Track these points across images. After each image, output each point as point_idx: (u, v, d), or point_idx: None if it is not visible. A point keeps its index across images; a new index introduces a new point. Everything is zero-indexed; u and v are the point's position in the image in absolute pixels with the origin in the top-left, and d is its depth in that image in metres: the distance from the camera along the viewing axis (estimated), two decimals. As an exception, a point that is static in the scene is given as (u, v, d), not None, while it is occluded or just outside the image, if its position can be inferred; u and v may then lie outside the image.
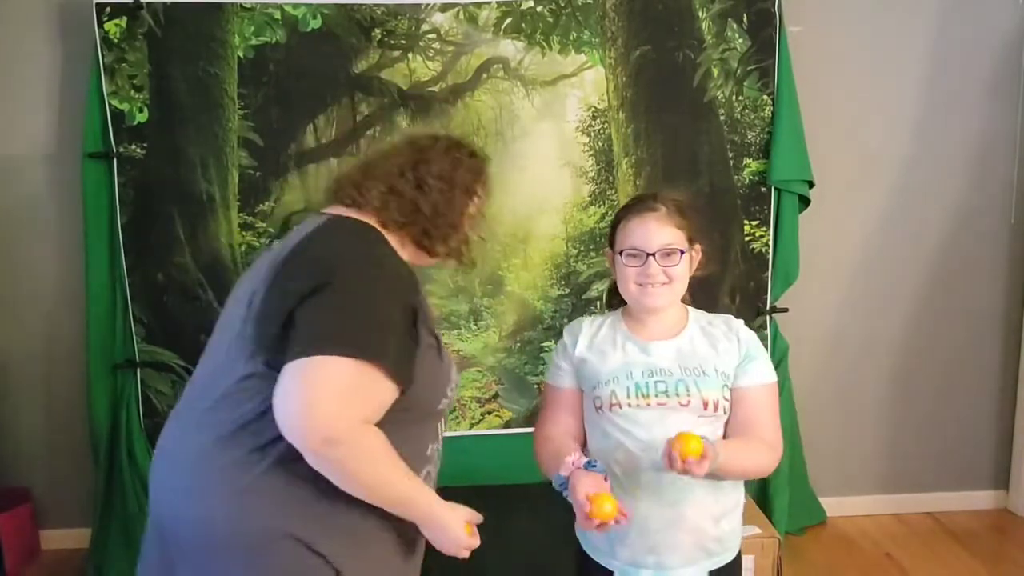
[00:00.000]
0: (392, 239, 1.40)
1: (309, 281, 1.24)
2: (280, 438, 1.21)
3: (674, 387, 1.51)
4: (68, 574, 2.87)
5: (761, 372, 1.55)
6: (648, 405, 1.50)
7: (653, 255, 1.52)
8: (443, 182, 1.45)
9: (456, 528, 1.37)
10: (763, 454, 1.51)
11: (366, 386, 1.20)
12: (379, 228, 1.39)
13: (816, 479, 3.16)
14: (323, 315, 1.22)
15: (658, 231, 1.52)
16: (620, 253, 1.56)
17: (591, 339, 1.61)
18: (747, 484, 3.04)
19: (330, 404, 1.17)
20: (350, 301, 1.23)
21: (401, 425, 1.30)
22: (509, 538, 2.51)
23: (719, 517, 1.55)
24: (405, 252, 1.43)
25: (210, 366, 1.38)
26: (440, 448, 1.48)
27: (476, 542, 1.41)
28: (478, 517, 1.43)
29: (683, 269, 1.55)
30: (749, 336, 1.58)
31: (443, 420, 1.48)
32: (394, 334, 1.24)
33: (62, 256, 2.89)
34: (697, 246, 1.59)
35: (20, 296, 2.92)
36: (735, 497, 1.59)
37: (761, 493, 2.97)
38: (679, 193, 1.66)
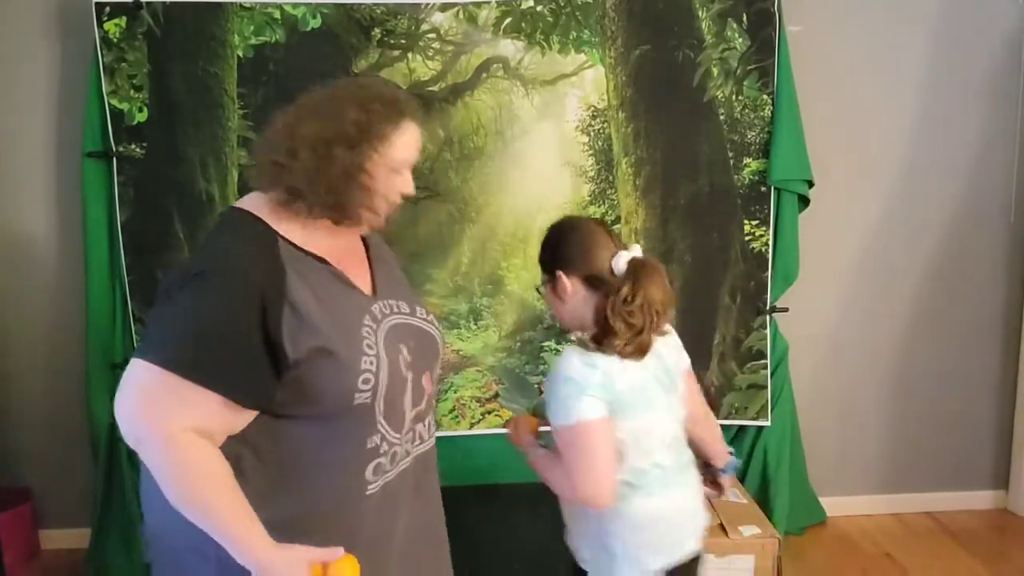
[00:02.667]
0: (294, 219, 1.32)
1: (159, 289, 1.27)
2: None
3: None
4: (68, 574, 2.87)
5: (552, 413, 1.58)
6: None
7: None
8: (318, 142, 1.29)
9: (294, 572, 1.20)
10: (557, 481, 1.61)
11: (179, 395, 1.18)
12: (274, 211, 1.32)
13: (816, 479, 3.16)
14: (151, 322, 1.26)
15: None
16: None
17: None
18: (748, 484, 3.05)
19: (134, 405, 1.20)
20: (176, 311, 1.23)
21: (319, 426, 1.29)
22: (509, 538, 2.51)
23: (574, 535, 1.70)
24: (313, 230, 1.34)
25: None
26: (396, 438, 1.37)
27: None
28: (333, 554, 1.22)
29: (551, 302, 1.68)
30: (550, 374, 1.62)
31: (380, 411, 1.34)
32: (221, 347, 1.20)
33: (61, 255, 2.89)
34: (556, 274, 1.64)
35: (19, 295, 2.92)
36: (591, 528, 1.64)
37: (761, 493, 2.97)
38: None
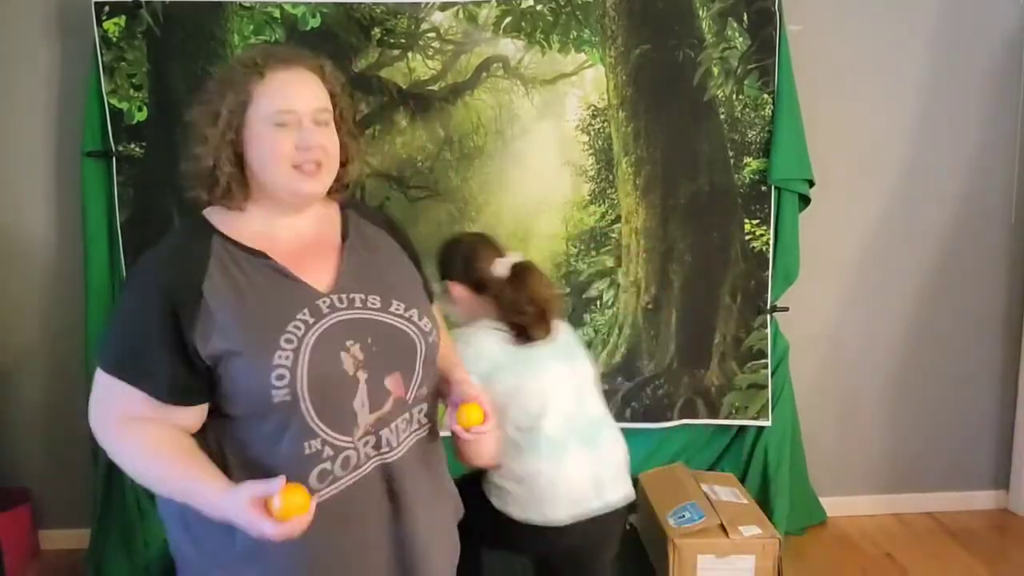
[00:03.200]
0: (238, 215, 1.35)
1: None
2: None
3: None
4: (68, 574, 2.87)
5: None
6: None
7: None
8: (192, 127, 1.37)
9: (240, 513, 1.15)
10: None
11: (115, 393, 1.28)
12: (222, 210, 1.37)
13: (816, 479, 3.16)
14: None
15: None
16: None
17: None
18: (748, 484, 3.05)
19: (90, 404, 1.32)
20: (113, 315, 1.36)
21: (253, 426, 1.27)
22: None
23: None
24: (261, 224, 1.35)
25: None
26: (344, 442, 1.27)
27: (271, 528, 1.12)
28: (273, 486, 1.13)
29: (448, 304, 1.99)
30: None
31: (311, 412, 1.25)
32: (137, 346, 1.26)
33: (61, 255, 2.89)
34: (446, 283, 2.00)
35: (19, 295, 2.91)
36: None
37: (762, 493, 2.97)
38: None
